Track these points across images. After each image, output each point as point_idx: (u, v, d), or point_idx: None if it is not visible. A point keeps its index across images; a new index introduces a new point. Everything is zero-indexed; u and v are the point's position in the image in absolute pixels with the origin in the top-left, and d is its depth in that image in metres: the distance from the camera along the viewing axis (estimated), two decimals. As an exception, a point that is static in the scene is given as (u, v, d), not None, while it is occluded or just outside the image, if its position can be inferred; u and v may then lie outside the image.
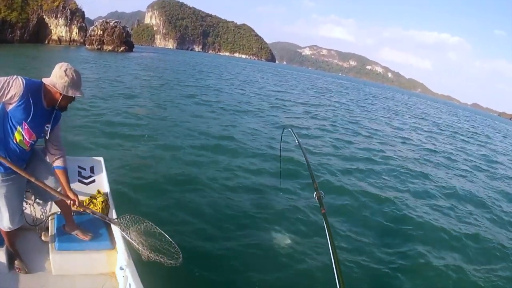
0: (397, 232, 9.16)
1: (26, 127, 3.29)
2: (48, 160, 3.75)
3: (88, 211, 3.71)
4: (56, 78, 3.26)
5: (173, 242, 3.80)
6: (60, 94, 3.27)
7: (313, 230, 8.24)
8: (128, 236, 3.68)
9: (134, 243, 3.64)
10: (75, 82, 3.29)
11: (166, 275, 5.02)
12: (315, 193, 3.03)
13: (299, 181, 11.31)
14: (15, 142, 3.32)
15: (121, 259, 3.82)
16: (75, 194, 3.60)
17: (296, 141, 4.25)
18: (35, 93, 3.25)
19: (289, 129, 4.65)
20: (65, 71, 3.26)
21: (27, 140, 3.37)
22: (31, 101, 3.21)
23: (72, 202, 3.55)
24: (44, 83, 3.30)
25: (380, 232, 8.97)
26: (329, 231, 2.49)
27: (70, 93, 3.28)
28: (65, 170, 3.66)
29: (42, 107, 3.32)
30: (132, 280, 3.39)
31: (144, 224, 3.96)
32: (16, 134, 3.30)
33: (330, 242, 2.38)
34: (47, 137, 3.54)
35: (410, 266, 7.71)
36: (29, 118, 3.25)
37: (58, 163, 3.65)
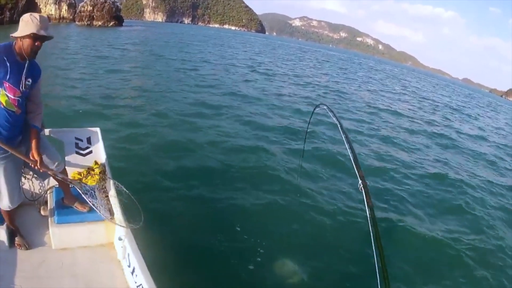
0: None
1: (7, 85, 3.33)
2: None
3: (50, 172, 3.77)
4: (23, 27, 3.31)
5: (137, 204, 4.01)
6: (29, 36, 3.28)
7: (353, 226, 7.65)
8: (88, 198, 3.79)
9: (93, 206, 3.80)
10: (38, 24, 3.30)
11: (164, 244, 5.38)
12: (359, 182, 2.62)
13: (330, 166, 10.93)
14: (3, 107, 3.37)
15: (119, 230, 3.87)
16: (39, 155, 3.58)
17: (334, 120, 3.61)
18: (8, 50, 3.35)
19: (324, 106, 4.01)
20: (29, 16, 3.33)
21: (12, 97, 3.40)
22: (6, 59, 3.30)
23: (34, 162, 3.56)
24: (13, 40, 3.40)
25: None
26: (376, 229, 2.17)
27: (40, 32, 3.30)
28: (38, 130, 3.68)
29: (17, 61, 3.38)
30: (131, 250, 3.50)
31: (115, 185, 4.23)
32: (0, 97, 3.35)
33: (377, 245, 2.08)
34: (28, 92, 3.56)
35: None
36: (8, 76, 3.32)
37: (33, 121, 3.67)
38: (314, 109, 4.87)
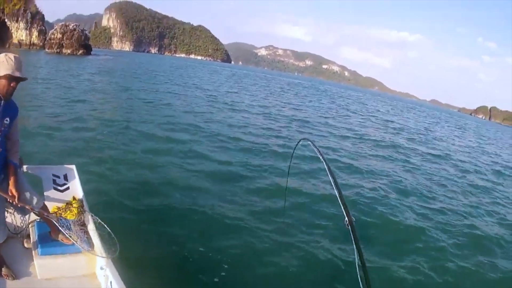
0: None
1: None
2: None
3: (27, 207, 3.87)
4: None
5: (112, 235, 4.13)
6: (5, 77, 3.34)
7: (339, 266, 7.36)
8: (64, 230, 3.92)
9: (71, 238, 3.90)
10: (13, 65, 3.36)
11: (145, 271, 5.50)
12: (346, 218, 2.45)
13: (311, 199, 10.75)
14: None
15: (100, 260, 3.98)
16: (18, 191, 3.66)
17: (320, 156, 3.24)
18: None
19: (308, 141, 3.81)
20: (5, 56, 3.38)
21: None
22: None
23: (12, 198, 3.62)
24: None
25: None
26: (365, 269, 2.12)
27: (15, 73, 3.36)
28: (15, 166, 3.77)
29: None
30: (113, 279, 3.60)
31: (92, 218, 4.39)
32: None
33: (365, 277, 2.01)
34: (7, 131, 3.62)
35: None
36: None
37: (11, 158, 3.74)
38: (297, 143, 4.45)
